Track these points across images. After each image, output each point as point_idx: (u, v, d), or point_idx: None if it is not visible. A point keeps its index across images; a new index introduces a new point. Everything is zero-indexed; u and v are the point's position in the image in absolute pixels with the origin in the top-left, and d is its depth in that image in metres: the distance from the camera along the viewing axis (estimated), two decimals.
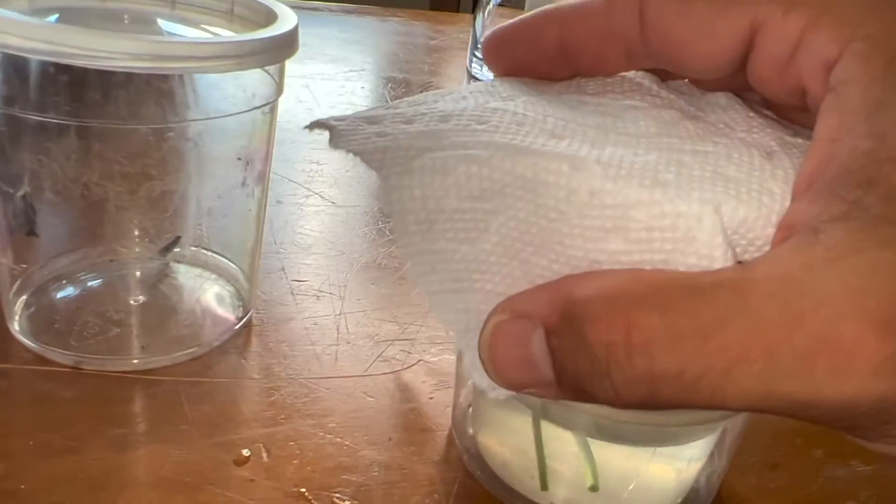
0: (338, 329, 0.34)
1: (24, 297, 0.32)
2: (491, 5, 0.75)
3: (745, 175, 0.18)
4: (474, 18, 0.77)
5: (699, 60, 0.20)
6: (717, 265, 0.16)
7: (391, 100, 0.69)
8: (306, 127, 0.21)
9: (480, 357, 0.18)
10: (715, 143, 0.19)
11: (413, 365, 0.33)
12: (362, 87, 0.68)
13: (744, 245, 0.18)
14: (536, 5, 0.64)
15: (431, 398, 0.31)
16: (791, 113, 0.21)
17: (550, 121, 0.20)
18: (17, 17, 0.23)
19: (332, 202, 0.46)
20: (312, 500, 0.25)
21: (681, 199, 0.17)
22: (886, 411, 0.14)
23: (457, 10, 1.13)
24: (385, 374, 0.32)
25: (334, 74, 0.70)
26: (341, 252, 0.41)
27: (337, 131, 0.20)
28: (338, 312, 0.36)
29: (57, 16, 0.28)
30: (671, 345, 0.15)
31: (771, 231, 0.17)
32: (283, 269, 0.38)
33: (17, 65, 0.24)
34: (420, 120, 0.20)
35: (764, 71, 0.19)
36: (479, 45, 0.75)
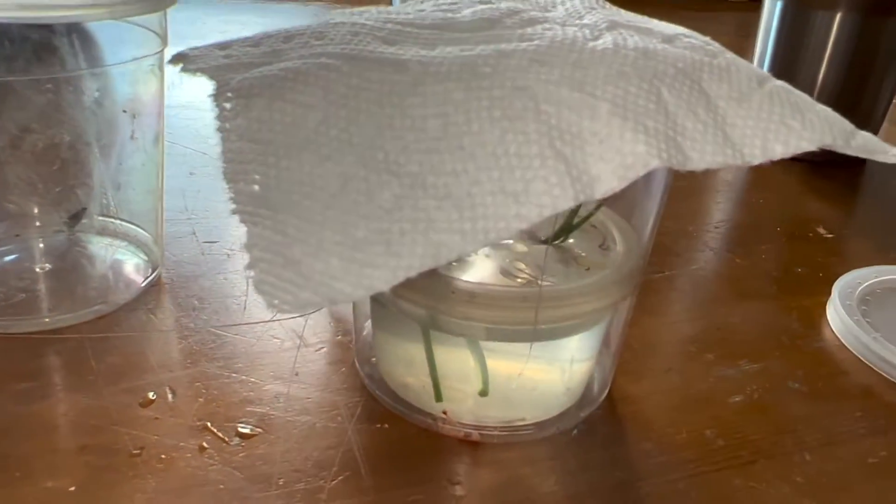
0: (247, 282, 0.35)
1: None
2: None
3: (561, 59, 0.19)
4: (390, 1, 0.78)
5: None
6: (533, 137, 0.18)
7: None
8: (169, 62, 0.23)
9: None
10: (543, 32, 0.20)
11: (321, 309, 0.34)
12: None
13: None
14: None
15: (338, 338, 0.32)
16: None
17: (389, 27, 0.21)
18: None
19: None
20: (216, 431, 0.26)
21: (495, 88, 0.18)
22: None
23: None
24: (293, 318, 0.33)
25: None
26: None
27: (189, 57, 0.21)
28: None
29: None
30: None
31: (579, 96, 0.19)
32: (194, 233, 0.39)
33: None
34: (265, 42, 0.21)
35: None
36: None
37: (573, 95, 0.20)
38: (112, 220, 0.36)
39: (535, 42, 0.21)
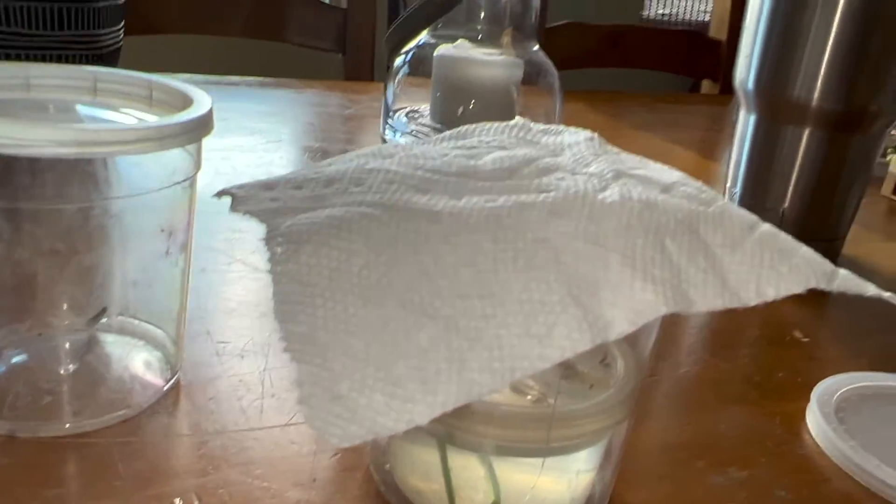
0: (262, 384, 0.37)
1: None
2: (400, 75, 0.80)
3: (575, 212, 0.22)
4: (385, 87, 0.81)
5: None
6: (554, 286, 0.20)
7: None
8: (215, 195, 0.25)
9: None
10: (558, 182, 0.23)
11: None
12: (280, 157, 0.71)
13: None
14: (442, 76, 0.70)
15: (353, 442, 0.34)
16: None
17: (419, 174, 0.24)
18: None
19: (255, 268, 0.49)
20: None
21: (519, 240, 0.21)
22: None
23: (371, 79, 1.18)
24: None
25: (253, 146, 0.73)
26: (264, 314, 0.43)
27: (238, 197, 0.24)
28: (262, 369, 0.38)
29: None
30: None
31: (593, 248, 0.21)
32: (208, 333, 0.41)
33: None
34: (307, 185, 0.24)
35: None
36: (391, 113, 0.79)
37: (588, 248, 0.22)
38: (131, 319, 0.38)
39: (552, 193, 0.24)
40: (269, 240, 0.23)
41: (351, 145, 0.79)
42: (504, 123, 0.30)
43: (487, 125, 0.30)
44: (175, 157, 0.31)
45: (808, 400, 0.40)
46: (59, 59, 0.67)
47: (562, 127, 0.31)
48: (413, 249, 0.22)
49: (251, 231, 0.54)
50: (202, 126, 0.31)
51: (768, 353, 0.45)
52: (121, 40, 0.74)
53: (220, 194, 0.26)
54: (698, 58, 1.42)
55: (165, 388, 0.35)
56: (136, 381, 0.35)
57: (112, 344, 0.37)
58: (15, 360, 0.35)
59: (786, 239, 0.25)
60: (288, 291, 0.22)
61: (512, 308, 0.21)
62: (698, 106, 1.26)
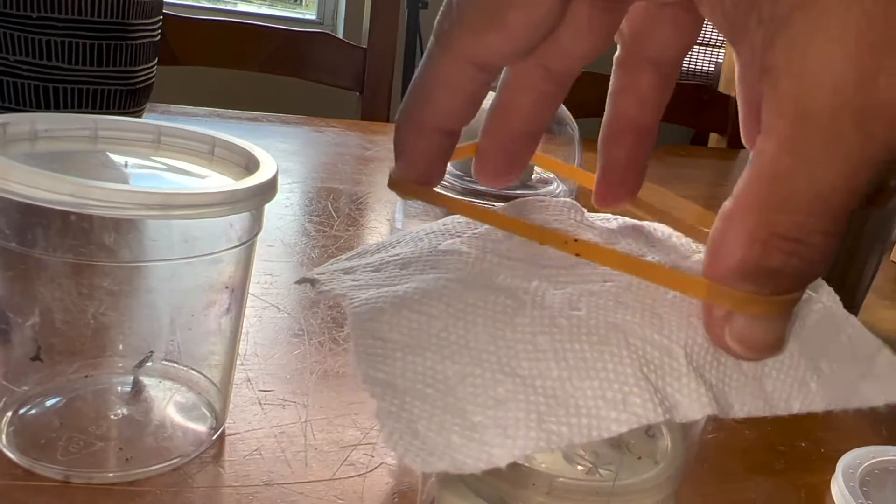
0: (305, 436, 0.38)
1: (9, 413, 0.34)
2: None
3: (640, 303, 0.23)
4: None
5: None
6: (626, 361, 0.22)
7: (334, 211, 0.73)
8: (296, 282, 0.26)
9: None
10: (618, 274, 0.25)
11: (376, 468, 0.36)
12: (305, 199, 0.73)
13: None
14: (465, 130, 0.70)
15: (395, 499, 0.34)
16: None
17: (489, 258, 0.25)
18: (45, 172, 0.26)
19: (288, 313, 0.50)
20: None
21: (591, 320, 0.22)
22: None
23: (387, 120, 1.20)
24: (352, 476, 0.35)
25: (280, 186, 0.74)
26: (302, 361, 0.44)
27: (320, 282, 0.25)
28: (303, 420, 0.39)
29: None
30: None
31: (658, 338, 0.23)
32: (248, 380, 0.41)
33: (39, 213, 0.27)
34: (385, 268, 0.25)
35: None
36: None
37: (654, 336, 0.23)
38: (176, 364, 0.38)
39: (616, 282, 0.25)
40: (351, 305, 0.24)
41: (373, 187, 0.80)
42: (561, 203, 0.31)
43: (545, 202, 0.31)
44: (242, 218, 0.32)
45: (831, 472, 0.40)
46: (96, 94, 0.68)
47: (610, 215, 0.32)
48: (491, 318, 0.23)
49: (283, 275, 0.55)
50: (269, 189, 0.32)
51: (792, 422, 0.46)
52: (153, 75, 0.76)
53: (301, 281, 0.27)
54: (704, 111, 1.45)
55: (214, 437, 0.36)
56: (184, 430, 0.36)
57: (157, 388, 0.38)
58: (66, 401, 0.36)
59: (825, 348, 0.26)
60: (369, 345, 0.23)
61: (587, 374, 0.22)
62: (705, 159, 1.29)
